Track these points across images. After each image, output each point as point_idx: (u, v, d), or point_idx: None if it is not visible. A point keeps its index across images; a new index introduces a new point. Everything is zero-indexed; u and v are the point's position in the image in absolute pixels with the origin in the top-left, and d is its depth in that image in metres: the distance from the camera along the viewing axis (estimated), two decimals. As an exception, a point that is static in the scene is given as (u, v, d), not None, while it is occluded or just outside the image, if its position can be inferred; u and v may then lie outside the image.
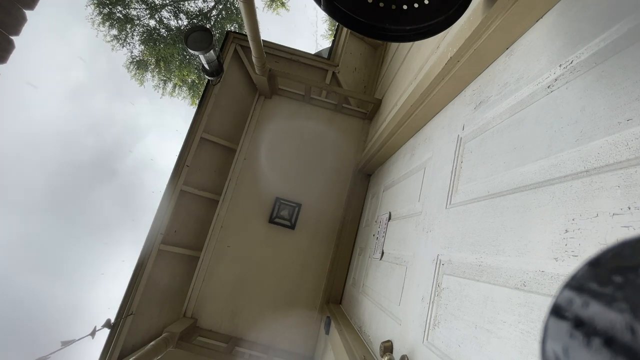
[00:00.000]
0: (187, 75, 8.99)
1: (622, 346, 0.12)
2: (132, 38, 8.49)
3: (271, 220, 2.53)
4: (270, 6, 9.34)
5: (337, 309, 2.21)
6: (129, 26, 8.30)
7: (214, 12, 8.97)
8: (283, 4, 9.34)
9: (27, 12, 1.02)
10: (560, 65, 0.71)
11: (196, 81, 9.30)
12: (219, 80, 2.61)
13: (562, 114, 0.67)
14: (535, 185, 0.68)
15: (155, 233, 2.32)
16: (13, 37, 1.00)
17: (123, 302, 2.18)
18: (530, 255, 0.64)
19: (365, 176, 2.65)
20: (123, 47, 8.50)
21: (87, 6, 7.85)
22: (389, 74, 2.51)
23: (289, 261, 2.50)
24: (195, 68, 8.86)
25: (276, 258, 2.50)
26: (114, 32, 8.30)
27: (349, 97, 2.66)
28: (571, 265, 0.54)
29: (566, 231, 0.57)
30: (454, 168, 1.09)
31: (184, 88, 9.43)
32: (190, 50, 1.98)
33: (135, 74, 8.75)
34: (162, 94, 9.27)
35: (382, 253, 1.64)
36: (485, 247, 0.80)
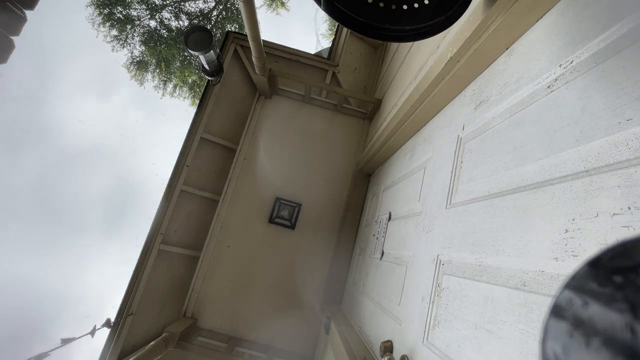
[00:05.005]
0: (188, 75, 9.00)
1: (622, 346, 0.12)
2: (133, 39, 8.49)
3: (271, 220, 2.53)
4: (270, 6, 9.34)
5: (337, 309, 2.21)
6: (129, 27, 8.30)
7: (215, 13, 8.97)
8: (283, 4, 9.34)
9: (27, 12, 1.02)
10: (560, 65, 0.71)
11: (197, 81, 9.31)
12: (219, 81, 2.61)
13: (562, 114, 0.67)
14: (535, 185, 0.68)
15: (155, 233, 2.32)
16: (13, 37, 1.00)
17: (123, 302, 2.18)
18: (530, 255, 0.64)
19: (365, 176, 2.65)
20: (123, 47, 8.50)
21: (87, 6, 7.86)
22: (389, 74, 2.51)
23: (289, 261, 2.50)
24: (196, 68, 8.86)
25: (276, 258, 2.50)
26: (114, 32, 8.30)
27: (349, 97, 2.66)
28: (571, 265, 0.54)
29: (566, 231, 0.57)
30: (454, 168, 1.09)
31: (185, 89, 9.43)
32: (190, 51, 1.98)
33: (135, 74, 8.76)
34: (163, 95, 9.28)
35: (382, 253, 1.64)
36: (485, 247, 0.80)
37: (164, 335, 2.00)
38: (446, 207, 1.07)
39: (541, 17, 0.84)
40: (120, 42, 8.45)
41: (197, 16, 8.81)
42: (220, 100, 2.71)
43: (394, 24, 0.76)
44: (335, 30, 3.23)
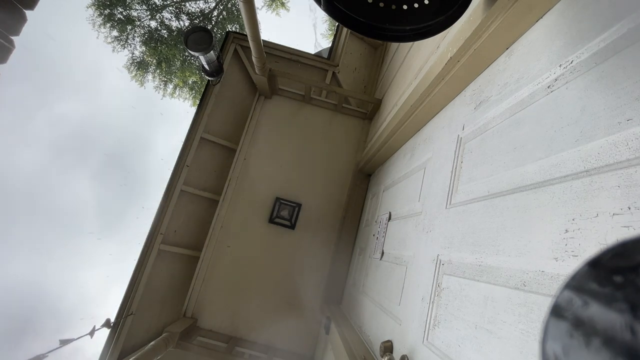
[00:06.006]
0: (189, 76, 9.00)
1: (622, 346, 0.12)
2: (133, 39, 8.50)
3: (271, 220, 2.53)
4: (270, 6, 9.35)
5: (337, 309, 2.21)
6: (129, 27, 8.31)
7: (215, 13, 8.98)
8: (283, 4, 9.35)
9: (27, 12, 1.02)
10: (560, 65, 0.71)
11: (197, 82, 9.32)
12: (219, 81, 2.61)
13: (562, 114, 0.67)
14: (535, 185, 0.68)
15: (155, 233, 2.32)
16: (13, 37, 1.00)
17: (123, 302, 2.18)
18: (530, 255, 0.64)
19: (365, 176, 2.65)
20: (124, 48, 8.51)
21: (87, 8, 7.87)
22: (389, 74, 2.51)
23: (289, 261, 2.50)
24: (197, 69, 8.87)
25: (276, 258, 2.50)
26: (115, 33, 8.31)
27: (349, 97, 2.66)
28: (571, 265, 0.54)
29: (566, 231, 0.57)
30: (454, 168, 1.09)
31: (185, 89, 9.44)
32: (190, 51, 1.98)
33: (136, 75, 8.76)
34: (163, 95, 9.28)
35: (382, 253, 1.64)
36: (485, 247, 0.80)
37: (164, 335, 2.00)
38: (446, 207, 1.07)
39: (541, 17, 0.84)
40: (121, 43, 8.46)
41: (198, 16, 8.82)
42: (220, 100, 2.71)
43: (394, 24, 0.76)
44: (335, 30, 3.23)
